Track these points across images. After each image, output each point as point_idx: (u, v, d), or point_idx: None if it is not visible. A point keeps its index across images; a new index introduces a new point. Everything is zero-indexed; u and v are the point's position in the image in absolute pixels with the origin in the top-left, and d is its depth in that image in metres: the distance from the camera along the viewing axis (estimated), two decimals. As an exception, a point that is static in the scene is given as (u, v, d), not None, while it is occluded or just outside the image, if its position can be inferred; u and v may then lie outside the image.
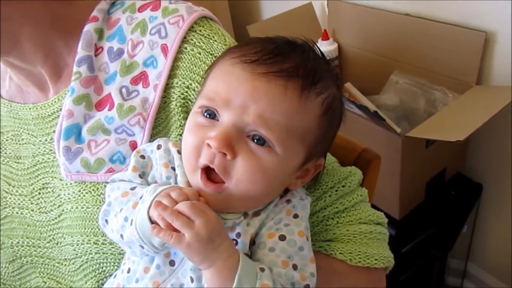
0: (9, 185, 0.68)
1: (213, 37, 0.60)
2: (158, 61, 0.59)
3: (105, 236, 0.58)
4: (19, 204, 0.67)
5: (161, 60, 0.59)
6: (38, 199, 0.66)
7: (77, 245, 0.61)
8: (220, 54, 0.57)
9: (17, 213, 0.67)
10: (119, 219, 0.50)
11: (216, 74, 0.51)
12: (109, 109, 0.59)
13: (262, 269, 0.45)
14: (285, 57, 0.48)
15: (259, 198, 0.50)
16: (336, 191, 0.60)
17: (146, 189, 0.49)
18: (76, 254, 0.62)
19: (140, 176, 0.54)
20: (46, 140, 0.65)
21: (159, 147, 0.55)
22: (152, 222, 0.45)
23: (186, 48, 0.59)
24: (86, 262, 0.61)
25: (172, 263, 0.49)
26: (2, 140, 0.69)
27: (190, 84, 0.59)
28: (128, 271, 0.52)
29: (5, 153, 0.69)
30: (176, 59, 0.59)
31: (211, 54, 0.59)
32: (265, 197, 0.50)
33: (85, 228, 0.60)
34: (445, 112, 1.08)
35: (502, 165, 1.24)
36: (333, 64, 1.44)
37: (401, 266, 0.69)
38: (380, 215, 0.62)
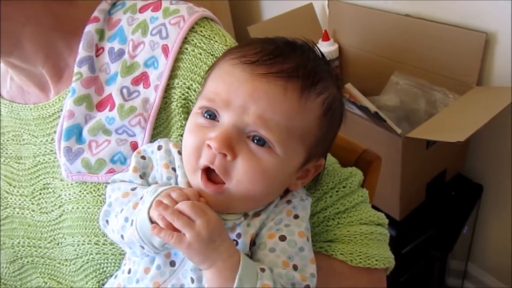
0: (10, 185, 0.68)
1: (214, 37, 0.60)
2: (159, 61, 0.59)
3: (106, 236, 0.58)
4: (20, 204, 0.67)
5: (162, 60, 0.59)
6: (39, 199, 0.66)
7: (78, 245, 0.61)
8: (221, 54, 0.57)
9: (18, 213, 0.67)
10: (119, 219, 0.50)
11: (216, 75, 0.51)
12: (110, 110, 0.59)
13: (263, 270, 0.45)
14: (285, 58, 0.48)
15: (259, 199, 0.50)
16: (337, 192, 0.60)
17: (146, 189, 0.49)
18: (77, 255, 0.62)
19: (141, 177, 0.54)
20: (47, 140, 0.65)
21: (159, 147, 0.55)
22: (152, 222, 0.45)
23: (187, 49, 0.59)
24: (87, 262, 0.61)
25: (172, 263, 0.49)
26: (3, 141, 0.69)
27: (191, 85, 0.59)
28: (129, 272, 0.52)
29: (6, 153, 0.69)
30: (177, 60, 0.59)
31: (212, 55, 0.59)
32: (265, 197, 0.50)
33: (86, 229, 0.60)
34: (445, 113, 1.08)
35: (502, 166, 1.24)
36: (334, 65, 1.44)
37: (401, 267, 0.69)
38: (380, 215, 0.62)
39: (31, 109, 0.66)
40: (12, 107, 0.68)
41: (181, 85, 0.59)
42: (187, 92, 0.59)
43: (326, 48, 1.42)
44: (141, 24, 0.61)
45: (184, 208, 0.44)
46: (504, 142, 1.20)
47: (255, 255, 0.48)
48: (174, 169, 0.53)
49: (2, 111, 0.69)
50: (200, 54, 0.59)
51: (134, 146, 0.58)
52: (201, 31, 0.60)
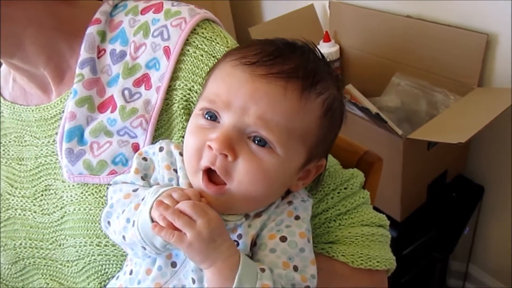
0: (12, 186, 0.68)
1: (215, 39, 0.60)
2: (160, 63, 0.59)
3: (108, 238, 0.58)
4: (21, 205, 0.67)
5: (164, 62, 0.59)
6: (41, 200, 0.66)
7: (80, 246, 0.61)
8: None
9: (19, 214, 0.67)
10: (121, 220, 0.50)
11: (217, 76, 0.51)
12: (112, 111, 0.59)
13: (263, 270, 0.45)
14: (285, 59, 0.48)
15: (260, 200, 0.50)
16: (338, 193, 0.60)
17: (148, 190, 0.49)
18: (79, 256, 0.62)
19: (142, 178, 0.54)
20: (48, 142, 0.65)
21: (161, 149, 0.55)
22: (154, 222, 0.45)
23: (188, 51, 0.59)
24: (89, 263, 0.61)
25: (174, 264, 0.49)
26: (5, 142, 0.69)
27: (193, 86, 0.59)
28: (130, 273, 0.52)
29: (8, 154, 0.69)
30: (178, 61, 0.59)
31: (213, 56, 0.59)
32: (266, 198, 0.50)
33: (87, 230, 0.60)
34: (446, 114, 1.08)
35: (503, 167, 1.24)
36: (335, 66, 1.44)
37: (402, 268, 0.69)
38: (382, 217, 0.62)
39: (33, 110, 0.66)
40: (14, 108, 0.68)
41: (182, 87, 0.59)
42: (189, 94, 0.59)
43: (327, 49, 1.41)
44: (143, 25, 0.61)
45: (185, 208, 0.44)
46: (505, 143, 1.19)
47: (255, 255, 0.48)
48: (175, 171, 0.53)
49: (4, 112, 0.69)
50: (202, 55, 0.59)
51: (136, 148, 0.59)
52: (202, 33, 0.60)
